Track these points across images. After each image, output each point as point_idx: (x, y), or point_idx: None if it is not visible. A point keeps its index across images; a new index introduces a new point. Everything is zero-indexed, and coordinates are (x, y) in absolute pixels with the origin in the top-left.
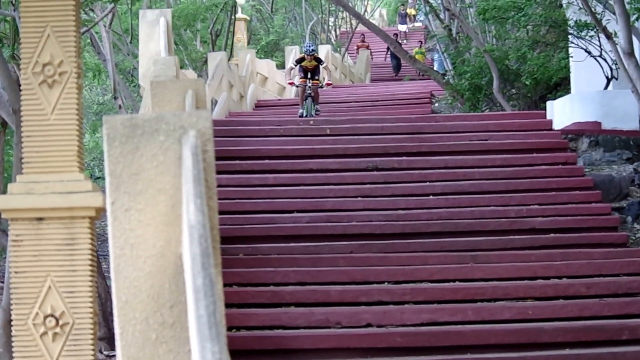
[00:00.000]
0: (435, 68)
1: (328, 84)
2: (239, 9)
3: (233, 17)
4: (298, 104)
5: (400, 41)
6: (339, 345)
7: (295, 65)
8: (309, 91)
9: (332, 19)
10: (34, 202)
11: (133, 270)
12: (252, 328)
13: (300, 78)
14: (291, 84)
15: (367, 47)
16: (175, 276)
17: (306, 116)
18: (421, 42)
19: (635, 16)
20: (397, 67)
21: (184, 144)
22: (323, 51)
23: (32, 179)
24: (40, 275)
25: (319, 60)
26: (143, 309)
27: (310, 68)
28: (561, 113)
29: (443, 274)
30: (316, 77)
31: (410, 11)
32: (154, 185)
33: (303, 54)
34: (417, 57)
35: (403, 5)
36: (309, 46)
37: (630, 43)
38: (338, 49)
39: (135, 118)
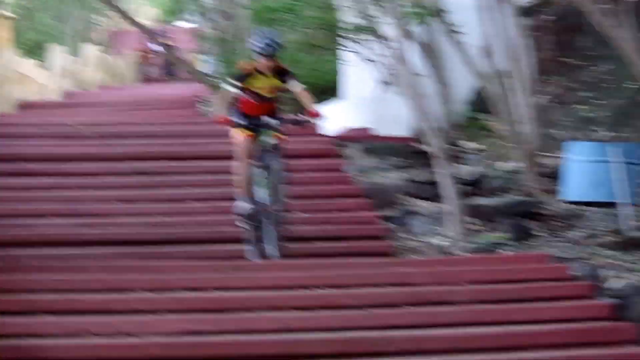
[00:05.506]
0: (210, 71)
1: (312, 115)
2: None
3: None
4: (63, 106)
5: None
6: (95, 355)
7: (238, 87)
8: (267, 153)
9: (102, 19)
10: None
11: None
12: (6, 337)
13: (243, 128)
14: (223, 122)
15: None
16: None
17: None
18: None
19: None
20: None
21: None
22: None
23: None
24: None
25: (283, 73)
26: None
27: (266, 92)
28: (333, 118)
29: (204, 282)
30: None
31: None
32: None
33: (252, 62)
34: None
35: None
36: (270, 40)
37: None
38: (106, 50)
39: None
